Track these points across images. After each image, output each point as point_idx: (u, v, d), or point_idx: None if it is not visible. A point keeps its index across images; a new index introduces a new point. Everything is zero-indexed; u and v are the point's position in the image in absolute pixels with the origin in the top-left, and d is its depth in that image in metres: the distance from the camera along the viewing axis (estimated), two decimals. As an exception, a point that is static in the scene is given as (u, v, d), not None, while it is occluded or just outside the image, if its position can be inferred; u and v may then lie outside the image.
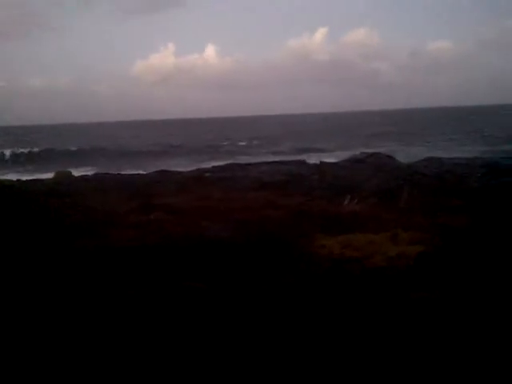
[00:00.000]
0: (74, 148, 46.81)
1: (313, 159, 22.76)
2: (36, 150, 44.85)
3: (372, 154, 18.40)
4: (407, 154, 27.44)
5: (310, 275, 6.09)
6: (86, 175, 17.30)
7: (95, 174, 17.29)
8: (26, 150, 43.96)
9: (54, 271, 6.38)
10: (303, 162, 19.57)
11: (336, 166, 17.02)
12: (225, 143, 51.87)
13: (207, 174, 17.04)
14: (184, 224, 9.10)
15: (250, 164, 19.27)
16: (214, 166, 18.97)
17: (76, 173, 18.81)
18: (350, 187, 12.11)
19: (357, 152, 21.67)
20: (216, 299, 5.33)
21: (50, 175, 18.21)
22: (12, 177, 20.76)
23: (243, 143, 50.99)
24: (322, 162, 18.11)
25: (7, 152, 42.67)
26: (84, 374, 3.86)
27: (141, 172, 19.09)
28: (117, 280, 6.00)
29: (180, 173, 18.17)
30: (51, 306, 5.19)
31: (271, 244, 7.46)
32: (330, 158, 22.30)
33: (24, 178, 18.20)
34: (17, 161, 40.10)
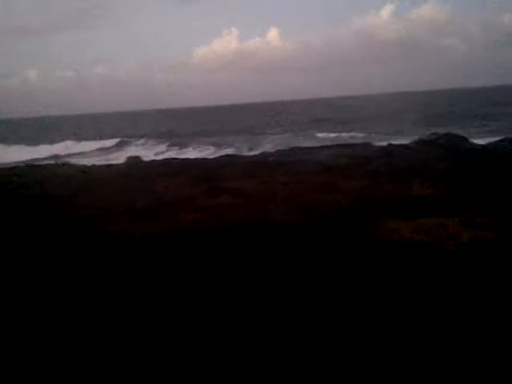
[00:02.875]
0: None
1: (378, 141, 22.14)
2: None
3: (443, 135, 17.53)
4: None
5: (380, 259, 5.93)
6: (155, 160, 17.88)
7: (163, 160, 17.82)
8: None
9: (124, 255, 6.66)
10: (369, 145, 19.08)
11: (404, 147, 16.40)
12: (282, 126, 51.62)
13: (271, 158, 17.05)
14: (250, 208, 9.18)
15: (313, 147, 19.07)
16: (277, 150, 18.95)
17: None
18: (420, 170, 11.65)
19: (426, 133, 20.75)
20: (282, 282, 5.34)
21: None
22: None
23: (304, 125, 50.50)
24: (389, 144, 17.55)
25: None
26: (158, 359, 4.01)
27: (208, 156, 19.42)
28: (185, 262, 6.16)
29: (244, 157, 18.33)
30: (122, 288, 5.43)
31: (337, 228, 7.35)
32: (397, 140, 21.57)
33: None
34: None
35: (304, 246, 6.56)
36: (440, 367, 3.61)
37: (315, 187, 10.76)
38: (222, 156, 18.63)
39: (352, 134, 37.03)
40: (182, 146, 37.31)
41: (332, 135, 36.27)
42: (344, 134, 36.48)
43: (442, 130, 19.78)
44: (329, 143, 23.23)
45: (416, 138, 19.05)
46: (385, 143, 18.35)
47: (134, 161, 18.00)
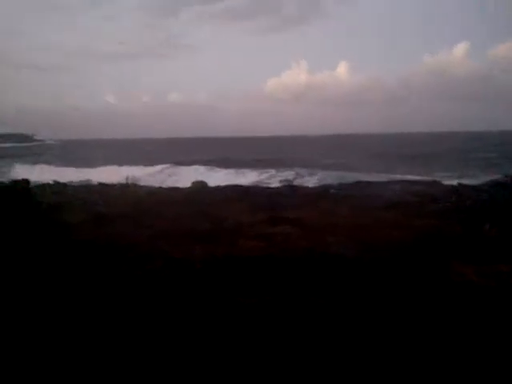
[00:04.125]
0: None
1: (447, 181, 21.37)
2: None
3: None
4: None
5: (445, 303, 5.63)
6: (219, 185, 18.23)
7: (227, 185, 18.14)
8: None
9: (184, 277, 6.77)
10: (437, 183, 18.46)
11: (475, 188, 15.71)
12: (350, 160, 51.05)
13: (332, 191, 16.90)
14: (309, 239, 9.08)
15: (378, 182, 18.71)
16: (340, 183, 18.76)
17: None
18: (490, 212, 11.07)
19: (498, 175, 19.79)
20: (339, 317, 5.19)
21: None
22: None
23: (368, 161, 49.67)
24: (458, 184, 16.89)
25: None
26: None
27: (269, 185, 19.55)
28: (240, 288, 6.16)
29: (306, 188, 18.29)
30: (180, 309, 5.50)
31: (400, 267, 7.09)
32: (467, 180, 20.73)
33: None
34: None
35: (361, 283, 6.36)
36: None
37: (378, 223, 10.48)
38: (283, 185, 18.72)
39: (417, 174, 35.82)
40: (243, 173, 37.88)
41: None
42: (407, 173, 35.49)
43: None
44: (394, 178, 22.70)
45: (488, 179, 18.24)
46: (454, 182, 17.69)
47: (199, 185, 18.44)
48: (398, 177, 27.50)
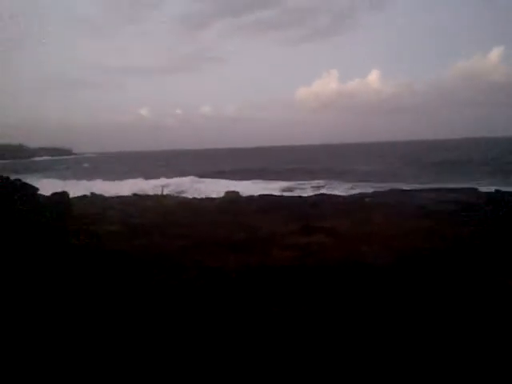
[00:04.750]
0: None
1: (484, 188, 20.81)
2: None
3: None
4: None
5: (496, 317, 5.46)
6: (252, 196, 18.32)
7: (260, 195, 18.21)
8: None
9: (220, 287, 6.83)
10: (474, 190, 18.01)
11: (514, 195, 15.23)
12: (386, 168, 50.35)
13: (367, 199, 16.71)
14: (343, 248, 9.01)
15: (414, 190, 18.39)
16: (375, 191, 18.54)
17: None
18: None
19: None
20: (373, 327, 5.12)
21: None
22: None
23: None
24: (496, 191, 16.41)
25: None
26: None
27: (302, 195, 19.52)
28: (275, 298, 6.16)
29: (339, 196, 18.16)
30: (214, 319, 5.55)
31: (437, 278, 6.93)
32: (506, 187, 20.11)
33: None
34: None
35: (398, 293, 6.25)
36: None
37: (414, 231, 10.30)
38: (316, 194, 18.65)
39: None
40: (276, 183, 37.94)
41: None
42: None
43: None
44: (430, 185, 22.27)
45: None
46: (492, 189, 17.20)
47: (232, 195, 18.59)
48: (434, 184, 26.96)
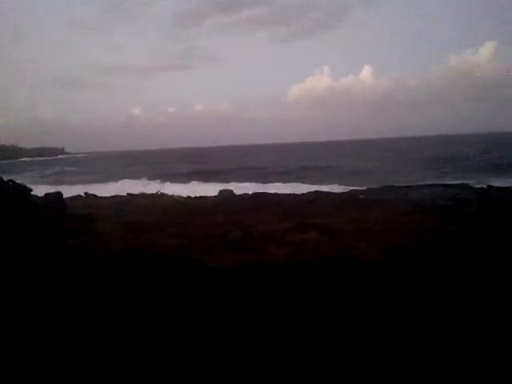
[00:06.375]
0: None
1: (477, 183, 20.97)
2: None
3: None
4: None
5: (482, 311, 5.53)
6: (246, 194, 18.33)
7: (254, 193, 18.22)
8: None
9: (215, 285, 6.85)
10: (467, 186, 18.13)
11: (507, 191, 15.37)
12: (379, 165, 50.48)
13: (361, 196, 16.78)
14: (338, 245, 9.06)
15: (408, 186, 18.48)
16: (368, 188, 18.62)
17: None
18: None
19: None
20: (371, 323, 5.17)
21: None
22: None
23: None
24: (489, 186, 16.55)
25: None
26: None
27: (296, 192, 19.53)
28: (271, 295, 6.19)
29: (334, 194, 18.20)
30: (210, 318, 5.57)
31: (434, 273, 6.99)
32: (497, 183, 20.30)
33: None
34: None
35: (393, 289, 6.31)
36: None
37: (409, 228, 10.38)
38: (310, 192, 18.65)
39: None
40: (269, 181, 37.78)
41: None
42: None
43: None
44: (424, 181, 22.39)
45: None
46: (484, 185, 17.33)
47: (227, 194, 18.58)
48: (428, 181, 27.09)
